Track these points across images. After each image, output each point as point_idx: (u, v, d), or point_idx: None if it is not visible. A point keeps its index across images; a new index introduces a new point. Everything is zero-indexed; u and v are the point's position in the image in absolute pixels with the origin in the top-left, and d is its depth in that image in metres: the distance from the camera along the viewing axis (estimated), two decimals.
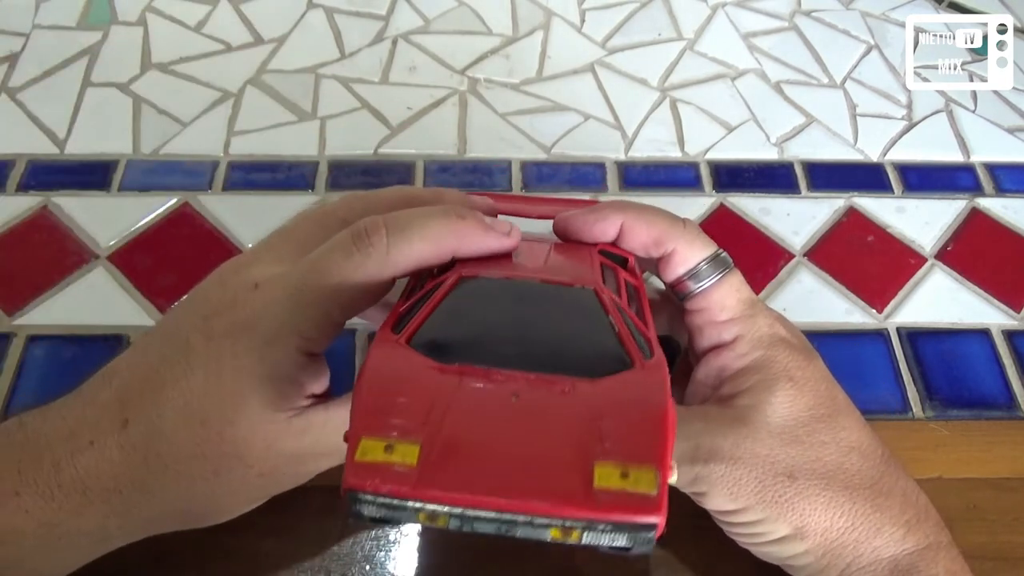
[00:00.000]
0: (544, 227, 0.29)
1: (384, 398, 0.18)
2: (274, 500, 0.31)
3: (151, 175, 0.41)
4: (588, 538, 0.17)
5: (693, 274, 0.26)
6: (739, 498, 0.24)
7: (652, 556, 0.30)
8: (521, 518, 0.16)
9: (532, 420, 0.18)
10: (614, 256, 0.27)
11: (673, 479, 0.20)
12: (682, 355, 0.32)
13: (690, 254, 0.26)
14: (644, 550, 0.17)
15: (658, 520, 0.16)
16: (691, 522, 0.31)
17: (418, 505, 0.17)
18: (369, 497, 0.17)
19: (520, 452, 0.17)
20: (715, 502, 0.24)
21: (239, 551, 0.29)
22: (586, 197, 0.41)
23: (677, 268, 0.27)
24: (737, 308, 0.27)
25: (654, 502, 0.16)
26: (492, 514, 0.16)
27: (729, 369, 0.27)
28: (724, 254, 0.27)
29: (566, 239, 0.27)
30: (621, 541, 0.17)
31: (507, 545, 0.30)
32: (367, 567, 0.29)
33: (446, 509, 0.17)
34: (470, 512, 0.17)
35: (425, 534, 0.30)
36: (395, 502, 0.17)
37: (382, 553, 0.30)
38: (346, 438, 0.17)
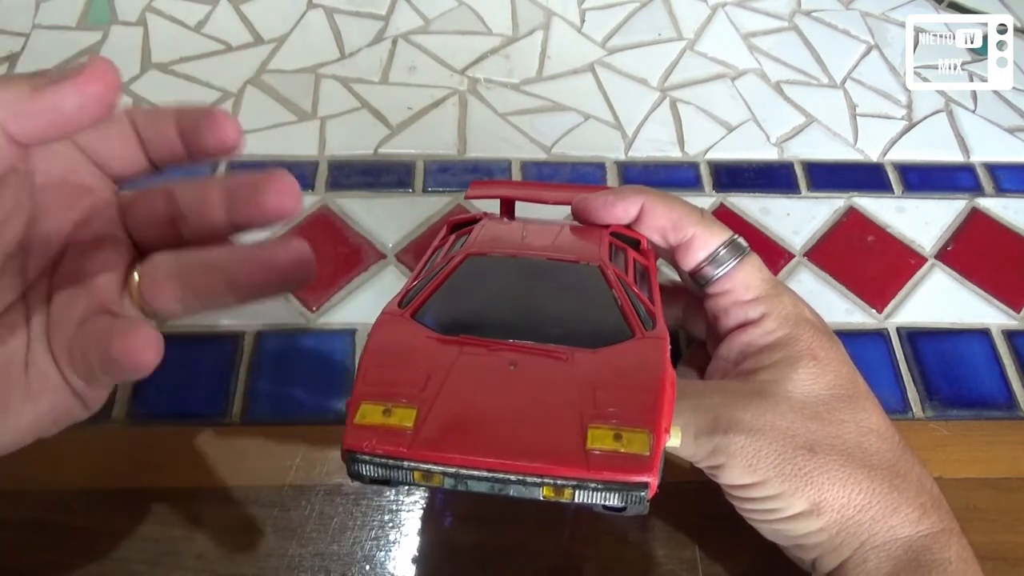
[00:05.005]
0: (562, 212, 0.29)
1: (386, 367, 0.19)
2: (274, 499, 0.31)
3: (151, 175, 0.41)
4: (580, 496, 0.17)
5: (713, 259, 0.27)
6: (758, 471, 0.24)
7: (656, 556, 0.30)
8: (513, 477, 0.17)
9: (528, 386, 0.18)
10: (626, 238, 0.27)
11: (676, 442, 0.20)
12: (697, 344, 0.32)
13: (709, 239, 0.27)
14: (638, 510, 0.17)
15: (650, 479, 0.17)
16: (697, 521, 0.31)
17: (413, 464, 0.17)
18: (367, 457, 0.17)
19: (514, 415, 0.18)
20: (732, 475, 0.24)
21: (239, 551, 0.29)
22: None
23: (697, 253, 0.27)
24: (762, 287, 0.27)
25: (646, 462, 0.17)
26: (485, 473, 0.17)
27: (754, 345, 0.27)
28: (740, 238, 0.28)
29: (585, 220, 0.28)
30: (613, 500, 0.17)
31: (506, 545, 0.30)
32: (367, 567, 0.29)
33: (440, 468, 0.17)
34: (463, 471, 0.17)
35: (425, 535, 0.30)
36: (391, 462, 0.17)
37: (382, 553, 0.30)
38: (347, 404, 0.18)
